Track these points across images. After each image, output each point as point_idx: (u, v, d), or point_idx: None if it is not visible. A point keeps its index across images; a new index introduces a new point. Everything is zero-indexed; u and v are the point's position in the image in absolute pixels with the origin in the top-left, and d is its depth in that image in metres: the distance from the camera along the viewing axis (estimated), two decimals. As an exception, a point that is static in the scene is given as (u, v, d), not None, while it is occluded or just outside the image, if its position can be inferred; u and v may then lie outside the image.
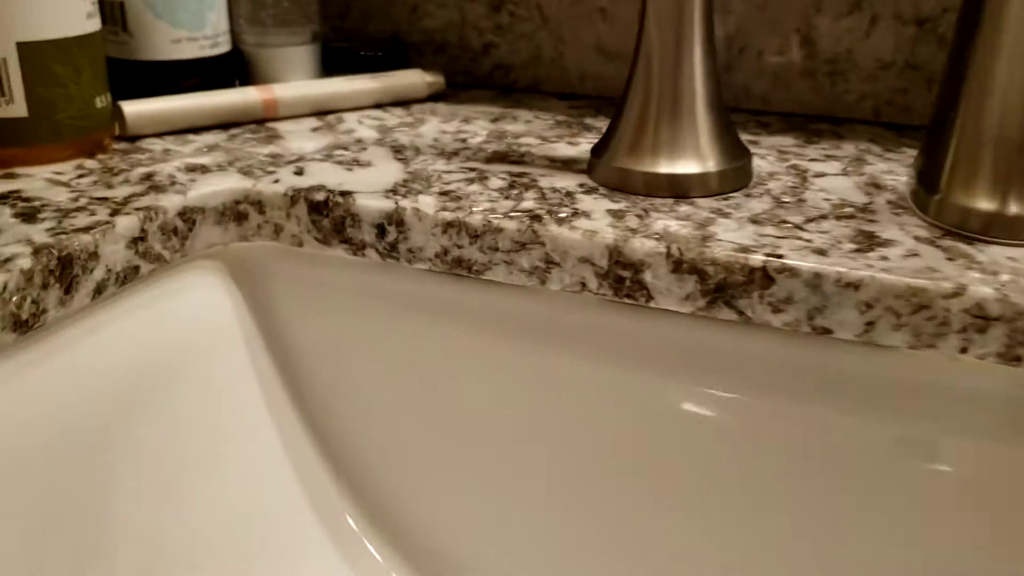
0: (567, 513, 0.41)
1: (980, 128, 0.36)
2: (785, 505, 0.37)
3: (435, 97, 0.57)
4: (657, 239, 0.36)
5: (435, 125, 0.51)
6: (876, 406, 0.35)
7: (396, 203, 0.39)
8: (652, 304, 0.36)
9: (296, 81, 0.53)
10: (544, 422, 0.40)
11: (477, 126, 0.51)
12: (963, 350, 0.33)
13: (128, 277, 0.38)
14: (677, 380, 0.38)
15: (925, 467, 0.35)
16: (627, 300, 0.37)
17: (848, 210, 0.39)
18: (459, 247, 0.39)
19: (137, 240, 0.38)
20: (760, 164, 0.45)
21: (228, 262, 0.43)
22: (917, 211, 0.38)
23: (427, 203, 0.39)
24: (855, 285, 0.33)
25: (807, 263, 0.34)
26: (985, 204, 0.36)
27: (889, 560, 0.37)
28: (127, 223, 0.37)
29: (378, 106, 0.55)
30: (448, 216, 0.38)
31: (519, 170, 0.44)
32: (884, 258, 0.34)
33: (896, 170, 0.44)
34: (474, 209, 0.39)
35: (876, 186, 0.42)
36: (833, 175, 0.43)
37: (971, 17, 0.36)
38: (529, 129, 0.51)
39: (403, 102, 0.55)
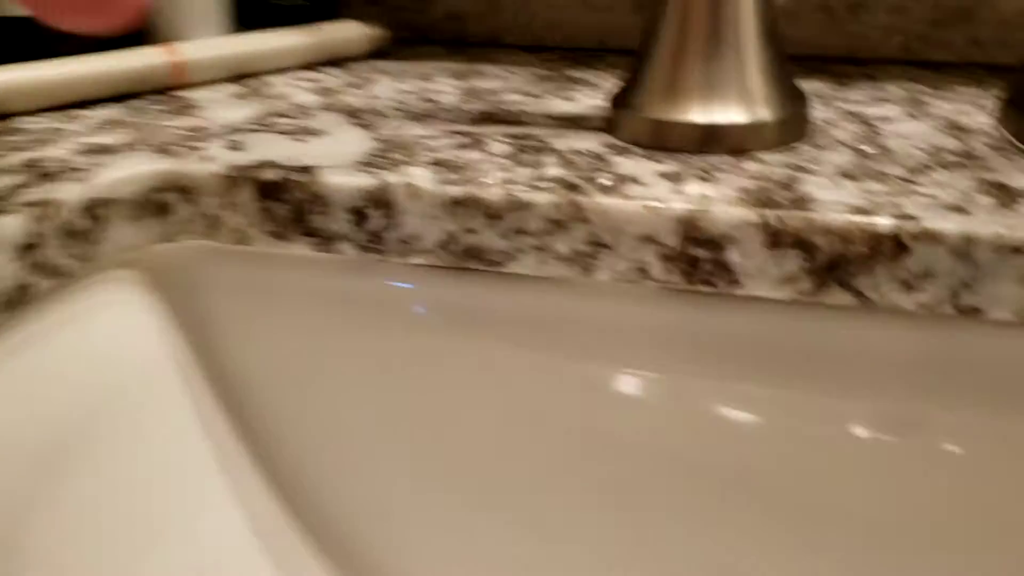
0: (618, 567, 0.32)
1: None
2: (938, 542, 0.29)
3: (376, 55, 0.47)
4: (746, 206, 0.27)
5: (389, 84, 0.42)
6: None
7: (380, 178, 0.29)
8: (738, 291, 0.28)
9: (205, 38, 0.42)
10: (599, 454, 0.31)
11: (442, 84, 0.42)
12: None
13: (17, 302, 0.27)
14: (773, 385, 0.29)
15: None
16: (703, 288, 0.28)
17: (951, 158, 0.31)
18: (472, 232, 0.29)
19: (28, 248, 0.27)
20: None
21: (150, 271, 0.32)
22: (1035, 153, 0.31)
23: (422, 176, 0.30)
24: (1019, 249, 0.25)
25: (951, 225, 0.26)
26: None
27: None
28: (12, 225, 0.26)
29: (307, 67, 0.44)
30: (455, 192, 0.29)
31: (519, 131, 0.34)
32: (1039, 212, 0.26)
33: (967, 110, 0.36)
34: (487, 180, 0.29)
35: (959, 128, 0.34)
36: (900, 120, 0.35)
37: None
38: (506, 85, 0.41)
39: (337, 61, 0.45)
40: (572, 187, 0.28)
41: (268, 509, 0.33)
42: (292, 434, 0.33)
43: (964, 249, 0.26)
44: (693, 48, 0.32)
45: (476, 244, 0.29)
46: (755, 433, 0.31)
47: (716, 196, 0.28)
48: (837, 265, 0.27)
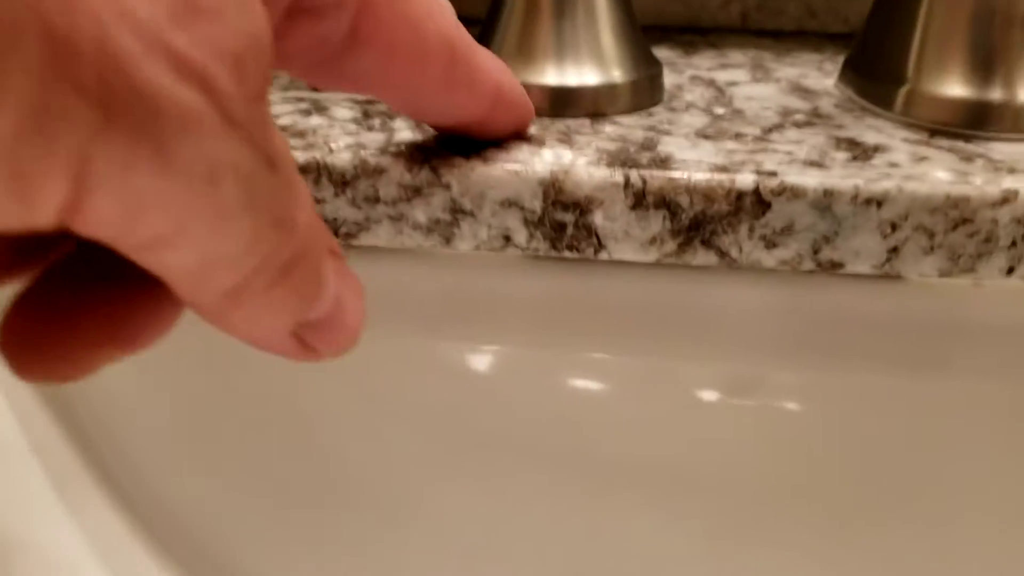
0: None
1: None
2: (804, 504, 0.29)
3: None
4: (608, 167, 0.26)
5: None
6: (908, 356, 0.28)
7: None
8: (603, 255, 0.27)
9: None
10: (462, 434, 0.30)
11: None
12: (1009, 271, 0.26)
13: None
14: (638, 352, 0.29)
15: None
16: (568, 254, 0.27)
17: (800, 116, 0.31)
18: (320, 201, 0.27)
19: None
20: (655, 77, 0.36)
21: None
22: (877, 108, 0.31)
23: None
24: (878, 201, 0.25)
25: (812, 179, 0.26)
26: (975, 92, 0.29)
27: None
28: None
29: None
30: (300, 157, 0.27)
31: (367, 99, 0.32)
32: (893, 165, 0.27)
33: (808, 73, 0.37)
34: (334, 146, 0.27)
35: (804, 91, 0.34)
36: (747, 83, 0.35)
37: None
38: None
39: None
40: (429, 151, 0.27)
41: (105, 515, 0.30)
42: (128, 427, 0.30)
43: (824, 203, 0.26)
44: (543, 7, 0.31)
45: (324, 215, 0.27)
46: (615, 401, 0.30)
47: (578, 158, 0.27)
48: (700, 224, 0.26)
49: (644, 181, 0.26)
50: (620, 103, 0.31)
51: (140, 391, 0.31)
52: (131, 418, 0.30)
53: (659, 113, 0.31)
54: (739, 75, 0.37)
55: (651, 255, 0.27)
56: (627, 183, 0.26)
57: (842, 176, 0.26)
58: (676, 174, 0.26)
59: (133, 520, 0.30)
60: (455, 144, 0.27)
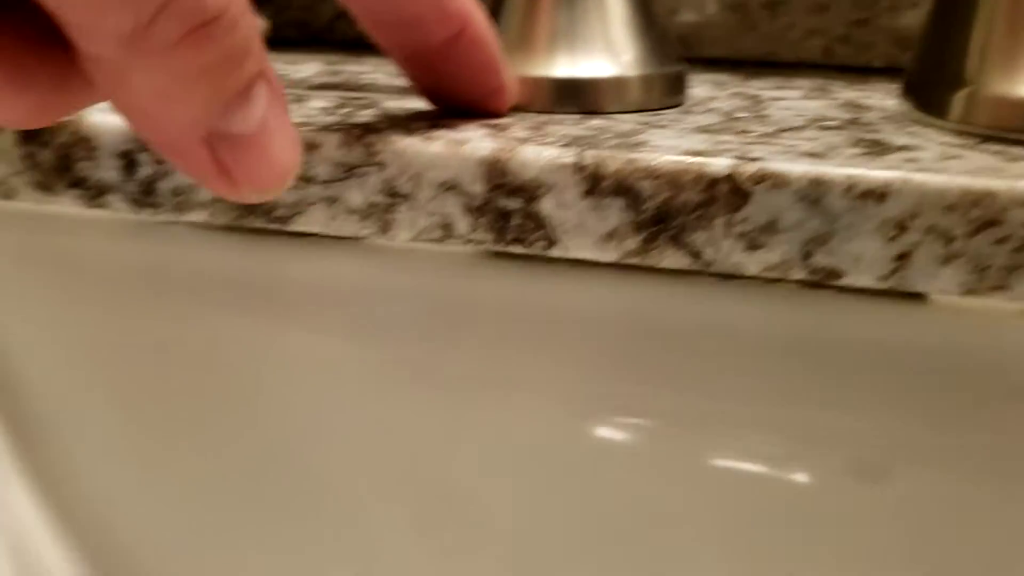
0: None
1: None
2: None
3: (256, 47, 0.43)
4: (561, 146, 0.22)
5: (248, 66, 0.38)
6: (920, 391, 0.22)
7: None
8: (555, 252, 0.23)
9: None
10: (389, 449, 0.26)
11: (306, 66, 0.38)
12: (1055, 291, 0.20)
13: None
14: (588, 378, 0.25)
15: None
16: (516, 248, 0.23)
17: (833, 123, 0.26)
18: (252, 180, 0.25)
19: None
20: (693, 92, 0.32)
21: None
22: (932, 118, 0.26)
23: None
24: (879, 194, 0.20)
25: (799, 166, 0.21)
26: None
27: None
28: None
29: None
30: (233, 131, 0.24)
31: (355, 95, 0.30)
32: (912, 160, 0.22)
33: (875, 95, 0.32)
34: (276, 123, 0.25)
35: (857, 106, 0.30)
36: (794, 99, 0.31)
37: None
38: (378, 68, 0.37)
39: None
40: (370, 129, 0.24)
41: (27, 513, 0.28)
42: (62, 424, 0.28)
43: (814, 193, 0.21)
44: (545, -4, 0.28)
45: (257, 194, 0.25)
46: (562, 444, 0.26)
47: (533, 140, 0.23)
48: (667, 217, 0.22)
49: (599, 163, 0.22)
50: (627, 100, 0.28)
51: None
52: (73, 408, 0.28)
53: (669, 114, 0.27)
54: (792, 93, 0.32)
55: (610, 253, 0.23)
56: (579, 165, 0.22)
57: (840, 165, 0.21)
58: (637, 156, 0.22)
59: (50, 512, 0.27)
60: (401, 123, 0.25)
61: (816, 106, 0.29)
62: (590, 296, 0.24)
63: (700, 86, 0.33)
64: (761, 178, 0.21)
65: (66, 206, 0.26)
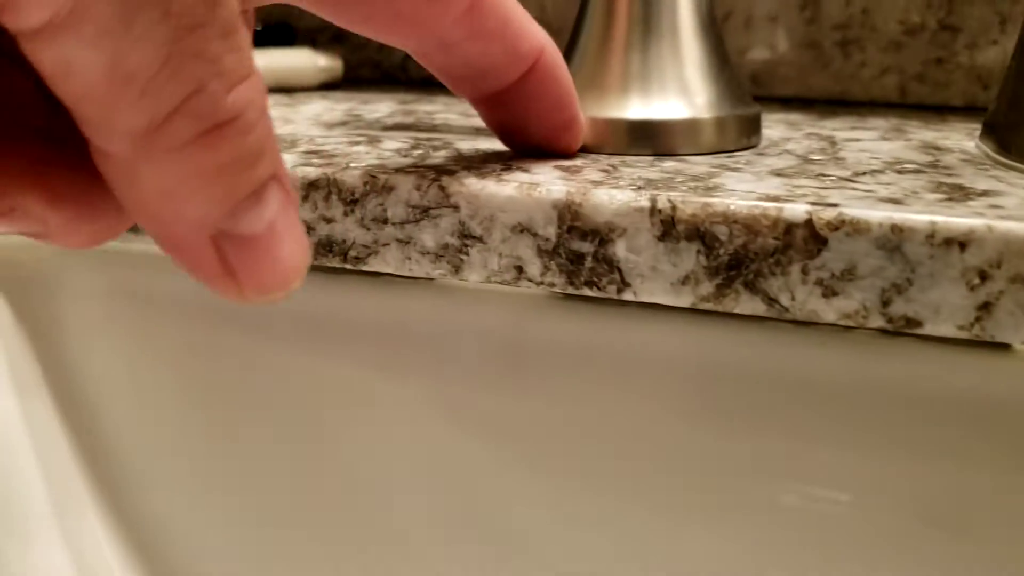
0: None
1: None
2: None
3: (328, 87, 0.44)
4: (634, 189, 0.22)
5: (322, 104, 0.38)
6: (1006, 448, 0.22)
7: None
8: (628, 295, 0.23)
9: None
10: (464, 494, 0.26)
11: (380, 106, 0.38)
12: None
13: None
14: (660, 424, 0.24)
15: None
16: (588, 291, 0.23)
17: (911, 166, 0.26)
18: (328, 220, 0.25)
19: None
20: (767, 133, 0.32)
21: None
22: (1015, 162, 0.26)
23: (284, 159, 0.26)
24: (961, 242, 0.20)
25: (871, 215, 0.21)
26: None
27: None
28: None
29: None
30: (312, 173, 0.25)
31: (427, 136, 0.30)
32: (995, 206, 0.21)
33: (953, 136, 0.32)
34: (352, 165, 0.25)
35: (935, 148, 0.29)
36: (871, 141, 0.31)
37: None
38: (449, 107, 0.38)
39: (284, 89, 0.42)
40: (443, 171, 0.24)
41: (104, 552, 0.28)
42: (137, 458, 0.29)
43: (894, 241, 0.21)
44: (619, 36, 0.28)
45: (333, 235, 0.25)
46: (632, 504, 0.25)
47: (606, 182, 0.23)
48: (742, 263, 0.22)
49: (674, 207, 0.22)
50: (701, 142, 0.28)
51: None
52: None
53: (743, 156, 0.27)
54: (867, 135, 0.32)
55: (684, 298, 0.22)
56: (653, 208, 0.22)
57: (920, 212, 0.21)
58: (713, 200, 0.22)
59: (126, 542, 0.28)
60: (474, 164, 0.25)
61: (892, 148, 0.29)
62: (663, 340, 0.24)
63: (774, 126, 0.33)
64: (839, 224, 0.21)
65: (149, 244, 0.27)
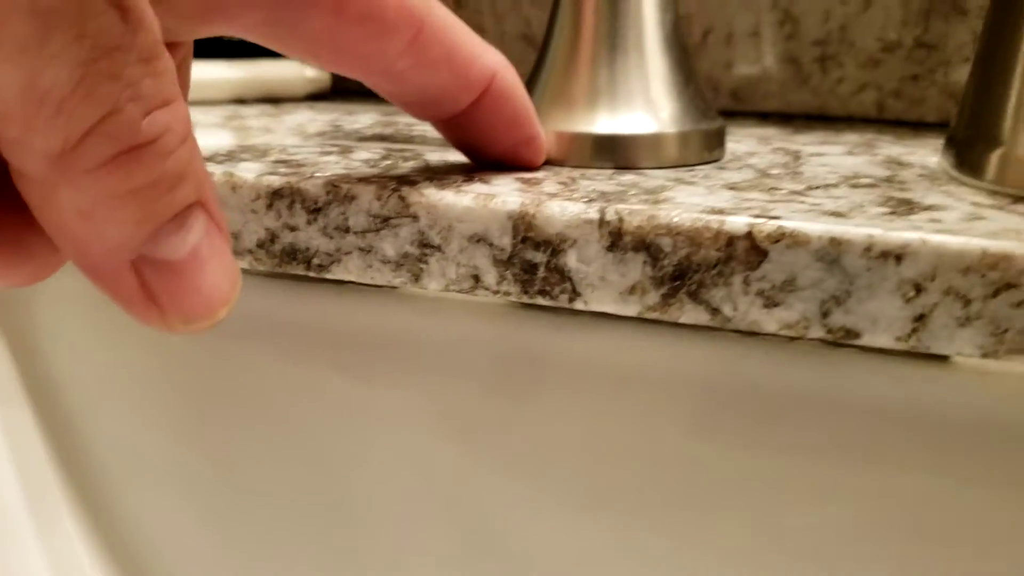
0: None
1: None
2: None
3: (315, 97, 0.45)
4: (586, 202, 0.23)
5: (306, 115, 0.39)
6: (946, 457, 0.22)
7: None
8: (579, 304, 0.23)
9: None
10: (424, 490, 0.27)
11: (363, 117, 0.39)
12: (1076, 356, 0.20)
13: None
14: (614, 429, 0.25)
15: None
16: (541, 300, 0.24)
17: (866, 180, 0.27)
18: (292, 229, 0.26)
19: None
20: (734, 147, 0.32)
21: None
22: (967, 178, 0.26)
23: (249, 169, 0.27)
24: (896, 255, 0.21)
25: (812, 227, 0.21)
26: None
27: None
28: None
29: (237, 101, 0.43)
30: (276, 182, 0.26)
31: (400, 147, 0.31)
32: (935, 220, 0.22)
33: (919, 152, 0.32)
34: (317, 175, 0.26)
35: (898, 163, 0.30)
36: (835, 155, 0.31)
37: None
38: (430, 121, 0.39)
39: (272, 99, 0.43)
40: (405, 180, 0.25)
41: (80, 559, 0.29)
42: (116, 462, 0.30)
43: (832, 253, 0.21)
44: (585, 51, 0.29)
45: (296, 244, 0.26)
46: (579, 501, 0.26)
47: (560, 195, 0.24)
48: (686, 272, 0.22)
49: (621, 219, 0.22)
50: (663, 156, 0.28)
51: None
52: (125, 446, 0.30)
53: (703, 170, 0.28)
54: (834, 149, 0.32)
55: (632, 307, 0.23)
56: (602, 220, 0.23)
57: (859, 226, 0.21)
58: (659, 212, 0.22)
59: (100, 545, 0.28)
60: (437, 176, 0.25)
61: (855, 163, 0.29)
62: (615, 348, 0.25)
63: (745, 140, 0.34)
64: (779, 236, 0.21)
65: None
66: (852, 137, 0.35)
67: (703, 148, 0.29)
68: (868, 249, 0.21)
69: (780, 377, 0.23)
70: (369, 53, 0.22)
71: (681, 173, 0.27)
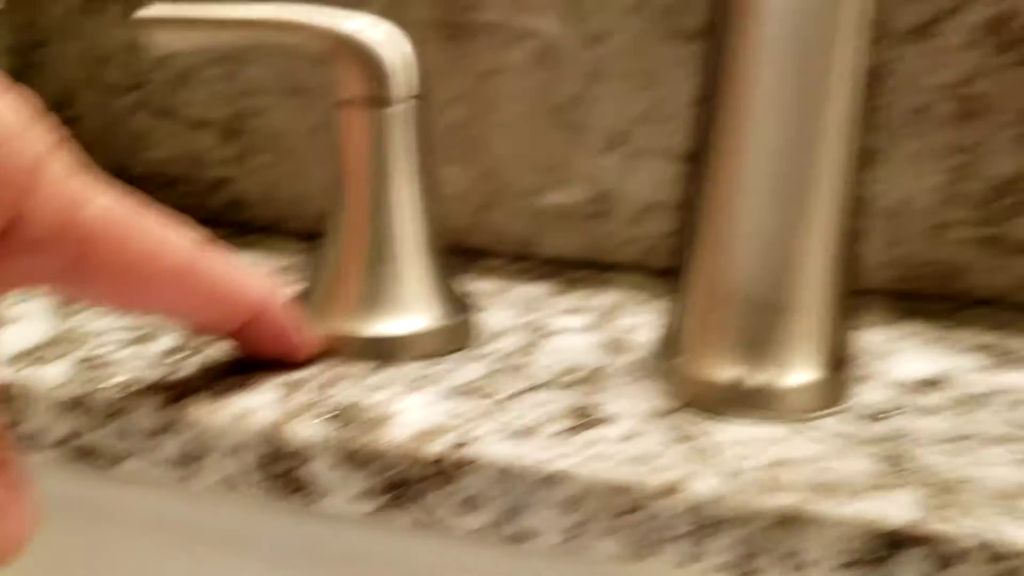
0: None
1: (715, 282, 0.30)
2: None
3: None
4: (323, 420, 0.28)
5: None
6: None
7: (15, 372, 0.31)
8: (321, 506, 0.29)
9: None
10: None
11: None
12: (697, 559, 0.26)
13: None
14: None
15: None
16: (292, 499, 0.29)
17: (578, 374, 0.32)
18: (80, 433, 0.31)
19: None
20: (497, 318, 0.38)
21: None
22: (659, 377, 0.32)
23: (48, 374, 0.31)
24: (553, 480, 0.26)
25: (495, 452, 0.27)
26: (723, 373, 0.30)
27: None
28: None
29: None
30: (69, 391, 0.30)
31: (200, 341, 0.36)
32: (596, 442, 0.28)
33: (650, 325, 0.38)
34: (111, 383, 0.31)
35: (618, 347, 0.36)
36: (574, 332, 0.37)
37: (702, 148, 0.30)
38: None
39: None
40: (188, 389, 0.30)
41: None
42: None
43: (504, 477, 0.27)
44: (354, 255, 0.34)
45: (89, 444, 0.30)
46: None
47: (311, 408, 0.29)
48: (404, 484, 0.28)
49: (348, 440, 0.28)
50: (417, 351, 0.33)
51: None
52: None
53: (446, 362, 0.33)
54: (578, 322, 0.38)
55: (362, 508, 0.28)
56: (334, 439, 0.28)
57: (537, 449, 0.27)
58: (382, 435, 0.28)
59: None
60: (211, 381, 0.31)
61: (584, 345, 0.35)
62: (347, 542, 0.30)
63: (513, 307, 0.39)
64: (464, 463, 0.27)
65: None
66: (606, 299, 0.41)
67: (452, 340, 0.34)
68: (527, 475, 0.27)
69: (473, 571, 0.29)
70: (145, 301, 0.27)
71: (432, 368, 0.33)
